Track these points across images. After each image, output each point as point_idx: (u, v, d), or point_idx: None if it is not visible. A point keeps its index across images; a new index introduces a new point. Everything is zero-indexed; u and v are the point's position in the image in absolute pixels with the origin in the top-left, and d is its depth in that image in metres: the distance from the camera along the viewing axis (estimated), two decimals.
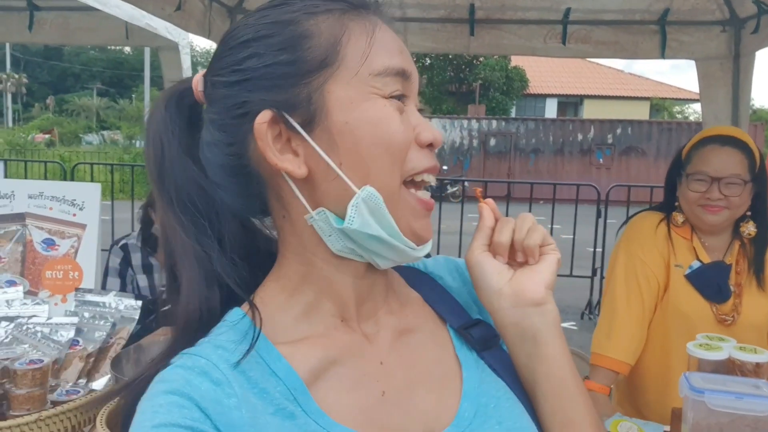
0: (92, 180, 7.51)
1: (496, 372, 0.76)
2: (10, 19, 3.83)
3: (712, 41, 3.42)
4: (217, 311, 0.69)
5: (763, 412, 1.00)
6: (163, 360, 0.66)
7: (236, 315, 0.68)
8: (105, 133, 36.22)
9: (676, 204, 1.86)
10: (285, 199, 0.68)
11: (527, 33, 3.55)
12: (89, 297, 1.55)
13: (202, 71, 0.73)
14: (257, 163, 0.67)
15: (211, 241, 0.69)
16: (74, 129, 36.70)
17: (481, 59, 25.13)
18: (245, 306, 0.69)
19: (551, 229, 6.80)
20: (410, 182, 0.68)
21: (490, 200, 0.79)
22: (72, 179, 7.14)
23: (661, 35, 3.46)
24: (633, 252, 1.84)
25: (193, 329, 0.68)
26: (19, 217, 1.71)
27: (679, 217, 1.85)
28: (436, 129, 0.70)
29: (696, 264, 1.79)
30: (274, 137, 0.65)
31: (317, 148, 0.64)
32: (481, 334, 0.78)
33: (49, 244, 1.67)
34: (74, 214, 1.68)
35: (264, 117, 0.65)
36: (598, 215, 6.50)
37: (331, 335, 0.69)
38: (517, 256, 0.77)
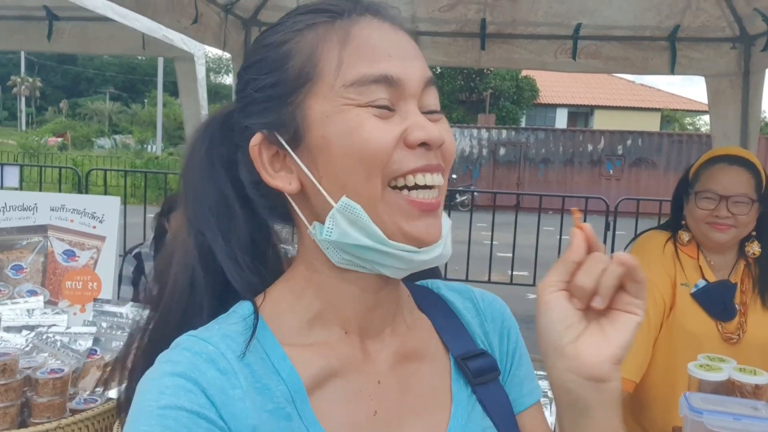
0: (105, 185, 7.58)
1: (485, 409, 0.76)
2: (29, 28, 3.91)
3: (721, 58, 3.44)
4: (201, 300, 0.71)
5: None
6: (142, 338, 0.74)
7: (246, 308, 0.69)
8: (117, 137, 36.52)
9: (683, 222, 1.88)
10: (293, 215, 0.72)
11: (538, 48, 3.58)
12: (107, 307, 1.59)
13: None
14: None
15: (215, 235, 0.71)
16: (87, 133, 37.04)
17: (491, 69, 25.17)
18: (258, 300, 0.71)
19: (560, 240, 6.83)
20: (402, 186, 0.66)
21: (587, 226, 0.66)
22: (86, 184, 7.22)
23: (671, 51, 3.48)
24: None
25: (172, 311, 0.71)
26: (42, 229, 1.76)
27: (685, 236, 1.87)
28: (433, 129, 0.66)
29: (702, 283, 1.81)
30: (271, 156, 0.69)
31: (300, 164, 0.67)
32: (479, 367, 0.77)
33: (70, 255, 1.72)
34: (94, 227, 1.72)
35: (255, 140, 0.68)
36: (607, 228, 6.51)
37: (334, 346, 0.70)
38: (595, 301, 0.63)
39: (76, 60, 47.09)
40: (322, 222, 0.67)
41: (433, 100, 0.70)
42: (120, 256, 3.21)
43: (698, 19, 3.38)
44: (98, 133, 38.49)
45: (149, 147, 29.97)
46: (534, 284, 6.82)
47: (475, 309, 0.83)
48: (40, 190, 7.31)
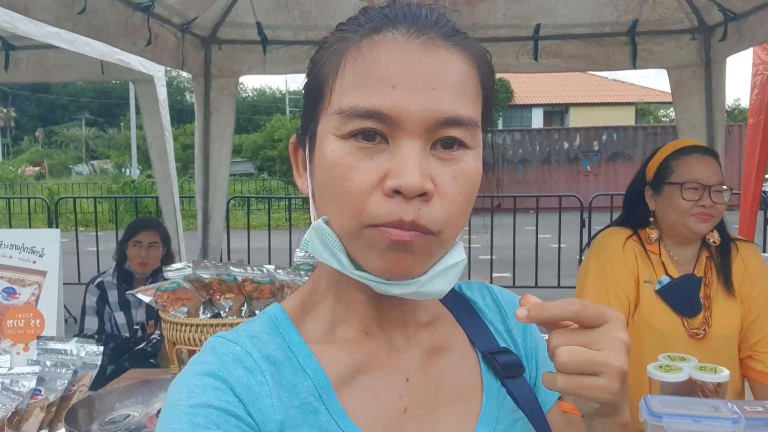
0: (75, 212, 7.46)
1: (516, 402, 0.76)
2: None
3: (682, 50, 3.46)
4: None
5: None
6: None
7: (276, 309, 0.71)
8: (95, 162, 36.22)
9: (650, 219, 1.85)
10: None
11: (499, 50, 3.57)
12: (51, 345, 1.53)
13: None
14: None
15: None
16: (64, 160, 36.68)
17: None
18: (285, 302, 0.73)
19: (537, 239, 6.83)
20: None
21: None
22: (56, 213, 7.10)
23: (631, 46, 3.49)
24: (602, 269, 1.83)
25: None
26: None
27: (652, 234, 1.83)
28: (413, 174, 0.59)
29: (665, 279, 1.78)
30: (302, 157, 0.71)
31: (307, 174, 0.69)
32: (506, 362, 0.77)
33: (10, 293, 1.65)
34: (34, 261, 1.66)
35: (293, 138, 0.72)
36: (582, 225, 6.53)
37: (359, 344, 0.70)
38: None
39: (50, 87, 46.69)
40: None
41: (455, 132, 0.61)
42: (83, 284, 3.15)
43: (656, 12, 3.40)
44: (75, 159, 38.14)
45: (127, 171, 29.72)
46: (514, 285, 6.81)
47: (496, 306, 0.84)
48: (10, 222, 7.18)
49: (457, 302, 0.81)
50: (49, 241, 1.66)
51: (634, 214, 1.89)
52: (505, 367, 0.77)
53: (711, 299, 1.78)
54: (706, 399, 1.21)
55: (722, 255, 1.81)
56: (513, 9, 3.38)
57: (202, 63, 3.70)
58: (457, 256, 0.66)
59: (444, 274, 0.65)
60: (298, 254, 1.69)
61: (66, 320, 5.85)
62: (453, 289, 0.82)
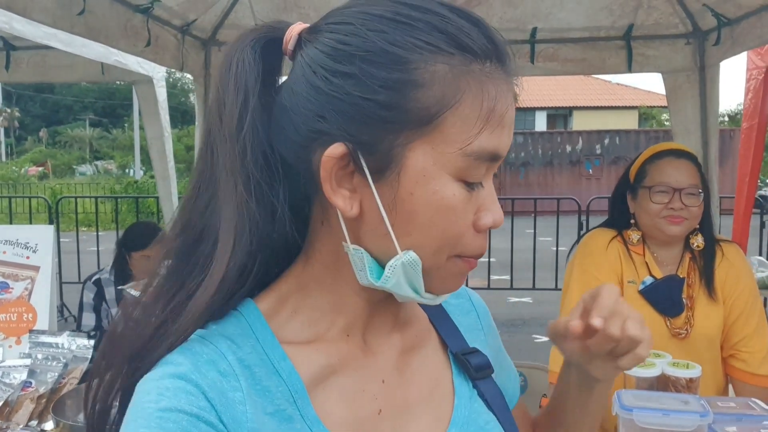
0: (77, 212, 7.50)
1: (486, 403, 0.77)
2: None
3: (677, 54, 3.48)
4: (252, 275, 0.65)
5: (690, 427, 1.02)
6: (199, 319, 0.63)
7: (249, 308, 0.67)
8: (98, 163, 36.30)
9: (632, 222, 1.88)
10: (330, 214, 0.66)
11: None
12: (43, 338, 1.56)
13: (300, 24, 0.66)
14: (316, 169, 0.63)
15: (267, 200, 0.64)
16: (67, 160, 36.77)
17: None
18: (259, 298, 0.68)
19: (534, 242, 6.86)
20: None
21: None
22: (57, 213, 7.15)
23: (627, 50, 3.52)
24: (586, 269, 1.86)
25: (230, 288, 0.64)
26: None
27: (634, 236, 1.86)
28: (499, 212, 0.65)
29: (649, 279, 1.81)
30: (339, 167, 0.62)
31: (379, 201, 0.61)
32: (478, 363, 0.78)
33: (3, 287, 1.69)
34: (27, 257, 1.69)
35: (336, 151, 0.60)
36: (580, 227, 6.55)
37: (336, 345, 0.68)
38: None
39: (54, 88, 46.84)
40: (366, 247, 0.64)
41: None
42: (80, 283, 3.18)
43: (651, 17, 3.42)
44: (79, 160, 38.23)
45: (130, 171, 29.81)
46: (512, 287, 6.83)
47: (470, 303, 0.86)
48: (11, 221, 7.23)
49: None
50: (42, 237, 1.69)
51: (619, 216, 1.92)
52: (477, 368, 0.78)
53: (694, 299, 1.80)
54: (678, 394, 1.24)
55: (706, 258, 1.83)
56: (509, 13, 3.41)
57: (202, 64, 3.74)
58: None
59: None
60: None
61: (66, 319, 5.89)
62: None
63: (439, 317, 0.81)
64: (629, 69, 3.56)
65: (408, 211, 0.61)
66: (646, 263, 1.84)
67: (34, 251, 1.68)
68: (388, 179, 0.61)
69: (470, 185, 0.62)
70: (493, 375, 0.80)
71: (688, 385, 1.26)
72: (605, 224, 1.97)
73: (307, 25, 0.66)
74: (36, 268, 1.69)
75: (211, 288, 0.63)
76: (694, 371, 1.28)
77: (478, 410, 0.75)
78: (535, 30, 3.49)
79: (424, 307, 0.80)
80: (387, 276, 0.63)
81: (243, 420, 0.60)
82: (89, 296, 3.00)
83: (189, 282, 0.64)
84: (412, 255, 0.62)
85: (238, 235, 0.62)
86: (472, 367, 0.77)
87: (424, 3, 0.61)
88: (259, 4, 3.53)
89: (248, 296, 0.68)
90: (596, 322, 0.72)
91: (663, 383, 1.29)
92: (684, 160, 1.81)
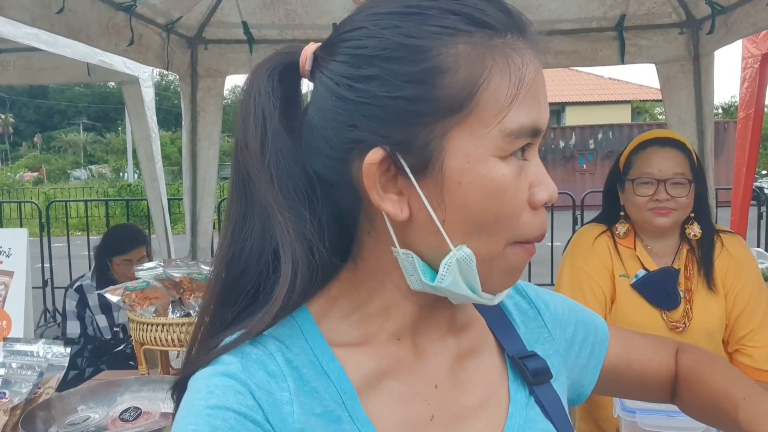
0: (67, 216, 7.43)
1: (544, 410, 0.74)
2: None
3: (670, 44, 3.43)
4: (310, 294, 0.65)
5: (695, 429, 0.97)
6: (267, 321, 0.63)
7: (302, 311, 0.67)
8: (93, 167, 36.22)
9: (621, 214, 1.83)
10: (376, 222, 0.64)
11: None
12: (18, 346, 1.50)
13: (313, 44, 0.65)
14: (357, 180, 0.62)
15: (310, 227, 0.63)
16: (62, 165, 36.70)
17: None
18: (310, 302, 0.67)
19: None
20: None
21: None
22: (47, 217, 7.08)
23: (619, 41, 3.47)
24: (576, 264, 1.81)
25: (289, 310, 0.63)
26: None
27: (621, 228, 1.81)
28: (552, 183, 0.63)
29: (641, 272, 1.76)
30: (381, 172, 0.60)
31: (424, 199, 0.60)
32: (535, 368, 0.75)
33: None
34: (1, 261, 1.64)
35: (375, 156, 0.59)
36: (575, 222, 6.53)
37: (386, 348, 0.67)
38: None
39: (48, 93, 46.73)
40: (415, 249, 0.62)
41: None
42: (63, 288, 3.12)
43: (643, 6, 3.38)
44: (74, 164, 38.15)
45: (125, 175, 29.72)
46: None
47: (527, 302, 0.82)
48: (1, 227, 7.16)
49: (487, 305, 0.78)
50: (16, 240, 1.63)
51: (610, 210, 1.87)
52: (534, 373, 0.74)
53: (692, 292, 1.75)
54: None
55: (704, 248, 1.78)
56: None
57: (188, 63, 3.68)
58: None
59: None
60: None
61: (59, 324, 5.83)
62: None
63: (496, 320, 0.78)
64: (622, 60, 3.51)
65: (459, 202, 0.59)
66: (638, 256, 1.79)
67: (8, 256, 1.62)
68: (433, 174, 0.59)
69: (518, 162, 0.60)
70: (552, 380, 0.76)
71: None
72: (597, 219, 1.92)
73: (319, 43, 0.66)
74: (10, 274, 1.63)
75: (268, 316, 0.63)
76: None
77: (534, 418, 0.72)
78: None
79: (482, 310, 0.77)
80: (443, 275, 0.61)
81: (290, 420, 0.60)
82: (71, 304, 2.93)
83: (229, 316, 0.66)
84: (465, 250, 0.60)
85: (296, 266, 0.62)
86: (530, 372, 0.74)
87: None
88: (245, 2, 3.48)
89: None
90: None
91: None
92: (669, 149, 1.75)
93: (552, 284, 6.81)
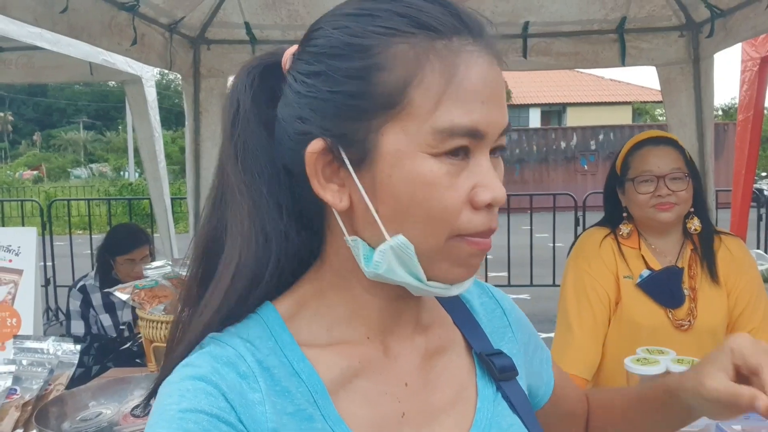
0: (69, 215, 7.45)
1: (511, 405, 0.75)
2: None
3: (670, 47, 3.46)
4: (265, 280, 0.66)
5: (697, 426, 0.99)
6: (206, 328, 0.65)
7: (268, 310, 0.68)
8: (93, 166, 36.20)
9: (624, 215, 1.86)
10: (330, 214, 0.67)
11: None
12: (28, 344, 1.52)
13: (295, 47, 0.68)
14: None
15: (268, 206, 0.66)
16: (62, 164, 36.66)
17: None
18: (278, 301, 0.69)
19: (531, 238, 6.85)
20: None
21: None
22: (49, 216, 7.09)
23: (620, 43, 3.49)
24: (580, 267, 1.85)
25: (240, 292, 0.65)
26: None
27: (624, 229, 1.85)
28: (500, 188, 0.63)
29: (646, 272, 1.79)
30: (324, 163, 0.64)
31: (361, 190, 0.63)
32: (502, 365, 0.76)
33: None
34: (10, 260, 1.65)
35: (315, 146, 0.63)
36: (576, 223, 6.54)
37: (356, 347, 0.68)
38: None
39: (47, 91, 46.71)
40: (362, 237, 0.65)
41: (502, 140, 0.65)
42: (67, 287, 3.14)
43: (644, 9, 3.40)
44: (74, 163, 38.11)
45: (125, 173, 29.72)
46: (509, 284, 6.80)
47: (494, 302, 0.84)
48: (3, 225, 7.17)
49: (454, 303, 0.80)
50: (25, 239, 1.65)
51: (611, 212, 1.91)
52: (501, 369, 0.76)
53: (696, 290, 1.78)
54: None
55: (704, 244, 1.82)
56: (501, 6, 3.38)
57: (191, 63, 3.69)
58: None
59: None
60: None
61: (61, 323, 5.85)
62: None
63: (463, 319, 0.79)
64: (623, 62, 3.53)
65: (390, 194, 0.62)
66: (642, 256, 1.82)
67: (17, 254, 1.64)
68: (369, 167, 0.62)
69: (456, 161, 0.61)
70: (518, 377, 0.78)
71: None
72: (601, 222, 1.95)
73: None
74: (19, 272, 1.65)
75: (217, 295, 0.65)
76: None
77: (502, 413, 0.74)
78: (527, 24, 3.46)
79: (449, 308, 0.79)
80: (377, 261, 0.63)
81: (262, 420, 0.60)
82: (75, 304, 2.94)
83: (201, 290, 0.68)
84: (401, 239, 0.62)
85: (244, 243, 0.64)
86: (497, 368, 0.76)
87: None
88: (248, 2, 3.49)
89: (267, 299, 0.69)
90: None
91: None
92: (663, 146, 1.80)
93: (553, 285, 6.85)
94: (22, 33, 2.78)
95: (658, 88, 3.61)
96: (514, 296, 7.78)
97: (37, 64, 3.91)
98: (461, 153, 0.61)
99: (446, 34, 0.61)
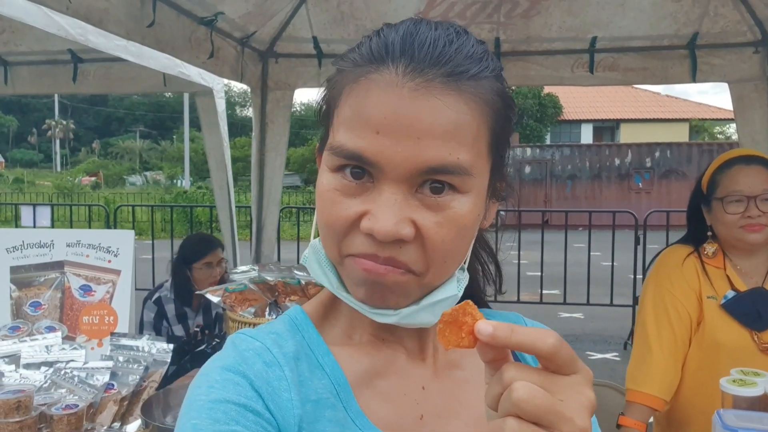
0: (134, 220, 7.69)
1: None
2: (56, 71, 4.04)
3: (744, 63, 3.37)
4: None
5: None
6: None
7: (296, 311, 0.72)
8: (148, 174, 37.33)
9: (709, 234, 1.82)
10: None
11: (554, 63, 3.56)
12: (124, 341, 1.59)
13: None
14: None
15: None
16: (119, 171, 37.95)
17: (513, 87, 25.09)
18: (306, 305, 0.74)
19: (589, 256, 6.71)
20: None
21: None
22: (115, 220, 7.34)
23: (691, 59, 3.42)
24: (661, 285, 1.81)
25: None
26: (59, 265, 1.79)
27: (709, 249, 1.81)
28: (386, 220, 0.59)
29: (731, 293, 1.74)
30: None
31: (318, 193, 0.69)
32: None
33: (86, 290, 1.73)
34: (109, 261, 1.74)
35: (318, 152, 0.70)
36: (637, 242, 6.37)
37: (376, 348, 0.70)
38: None
39: (107, 101, 48.45)
40: None
41: (443, 178, 0.60)
42: (140, 290, 3.24)
43: (717, 24, 3.33)
44: (129, 170, 39.40)
45: (179, 182, 30.51)
46: (564, 302, 6.68)
47: None
48: (71, 228, 7.46)
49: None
50: (123, 242, 1.73)
51: (695, 230, 1.87)
52: None
53: None
54: None
55: None
56: (569, 22, 3.37)
57: (259, 76, 3.80)
58: (447, 291, 0.66)
59: (431, 308, 0.65)
60: None
61: None
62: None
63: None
64: (693, 78, 3.46)
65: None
66: (728, 276, 1.78)
67: (116, 255, 1.72)
68: None
69: (351, 181, 0.62)
70: None
71: None
72: (683, 239, 1.92)
73: None
74: (117, 272, 1.73)
75: None
76: None
77: None
78: (595, 39, 3.44)
79: None
80: (305, 255, 0.69)
81: (289, 407, 0.63)
82: (150, 315, 3.04)
83: None
84: (316, 241, 0.68)
85: None
86: None
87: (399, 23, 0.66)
88: (317, 17, 3.57)
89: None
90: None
91: (764, 403, 1.23)
92: (755, 166, 1.75)
93: (611, 305, 6.72)
94: (110, 46, 2.92)
95: (717, 105, 3.53)
96: (568, 315, 7.69)
97: (113, 75, 4.07)
98: (364, 176, 0.61)
99: (362, 64, 0.62)
